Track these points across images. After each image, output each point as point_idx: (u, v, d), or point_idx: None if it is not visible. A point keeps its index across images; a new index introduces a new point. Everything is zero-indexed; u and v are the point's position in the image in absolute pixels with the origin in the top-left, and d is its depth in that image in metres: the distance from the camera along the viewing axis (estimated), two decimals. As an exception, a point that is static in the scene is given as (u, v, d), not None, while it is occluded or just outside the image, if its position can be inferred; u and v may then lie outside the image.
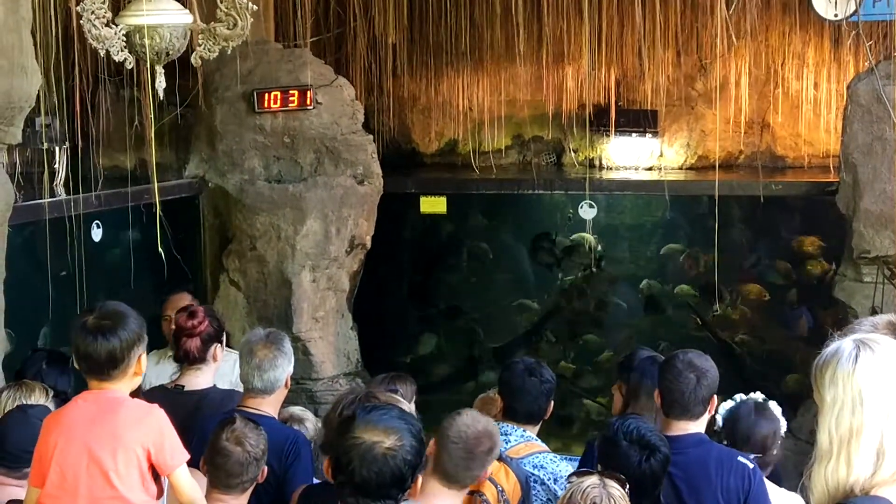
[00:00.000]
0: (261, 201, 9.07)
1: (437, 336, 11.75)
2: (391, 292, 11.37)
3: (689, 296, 11.41)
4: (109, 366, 4.32)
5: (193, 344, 5.97)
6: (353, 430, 3.67)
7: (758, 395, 5.54)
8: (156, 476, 4.39)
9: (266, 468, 4.90)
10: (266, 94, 9.01)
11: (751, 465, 5.01)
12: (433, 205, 10.33)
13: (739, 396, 5.46)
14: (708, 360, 5.21)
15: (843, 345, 3.13)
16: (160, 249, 5.41)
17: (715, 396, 5.16)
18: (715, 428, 5.36)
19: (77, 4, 4.63)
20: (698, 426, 5.13)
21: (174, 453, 4.39)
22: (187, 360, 6.02)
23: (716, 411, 5.29)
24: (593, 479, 4.38)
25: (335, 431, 3.78)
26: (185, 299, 7.16)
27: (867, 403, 3.04)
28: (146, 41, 4.45)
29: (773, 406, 5.53)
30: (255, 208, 9.08)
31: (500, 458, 5.07)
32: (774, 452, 5.45)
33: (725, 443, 5.30)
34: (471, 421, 4.60)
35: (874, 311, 7.78)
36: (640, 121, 10.68)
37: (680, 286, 11.47)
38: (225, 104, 9.13)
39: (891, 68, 8.14)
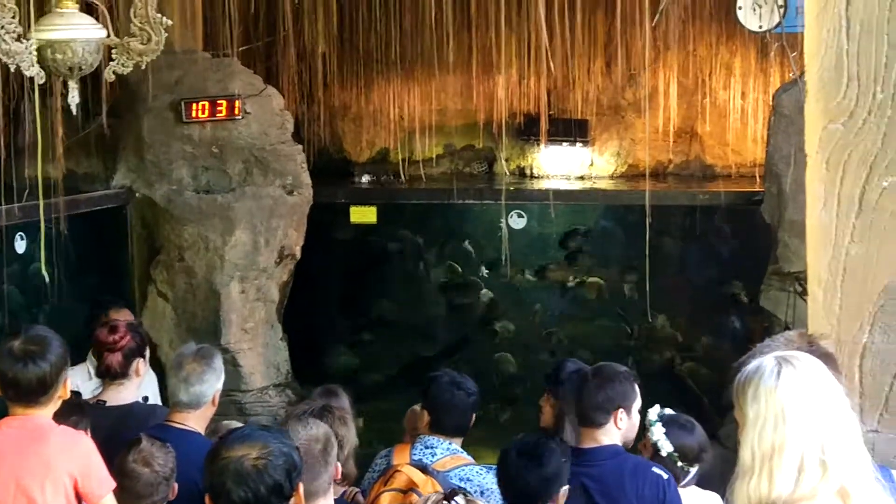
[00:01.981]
0: (189, 212, 9.00)
1: (367, 346, 11.73)
2: (322, 302, 11.34)
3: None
4: (40, 392, 4.28)
5: (115, 359, 5.90)
6: (220, 453, 3.64)
7: (665, 410, 5.51)
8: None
9: (177, 486, 4.85)
10: (194, 104, 8.95)
11: (665, 476, 5.04)
12: (363, 214, 10.32)
13: (654, 413, 5.42)
14: (620, 373, 5.22)
15: (764, 362, 3.16)
16: (44, 272, 5.33)
17: (622, 411, 5.14)
18: (663, 454, 5.32)
19: (-10, 18, 4.56)
20: (610, 437, 5.13)
21: (101, 482, 4.35)
22: (109, 376, 5.95)
23: (652, 436, 5.29)
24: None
25: (206, 463, 3.73)
26: (123, 314, 7.09)
27: (789, 419, 3.07)
28: (58, 56, 4.40)
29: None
30: (183, 219, 9.01)
31: (426, 472, 5.07)
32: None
33: (680, 464, 5.29)
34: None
35: (787, 327, 7.86)
36: (570, 130, 10.72)
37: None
38: (152, 114, 9.05)
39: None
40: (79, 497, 4.30)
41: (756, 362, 3.19)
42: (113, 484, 4.40)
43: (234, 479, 3.55)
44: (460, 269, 11.96)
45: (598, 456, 5.07)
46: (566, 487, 4.78)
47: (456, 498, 4.21)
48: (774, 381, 3.11)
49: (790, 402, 3.08)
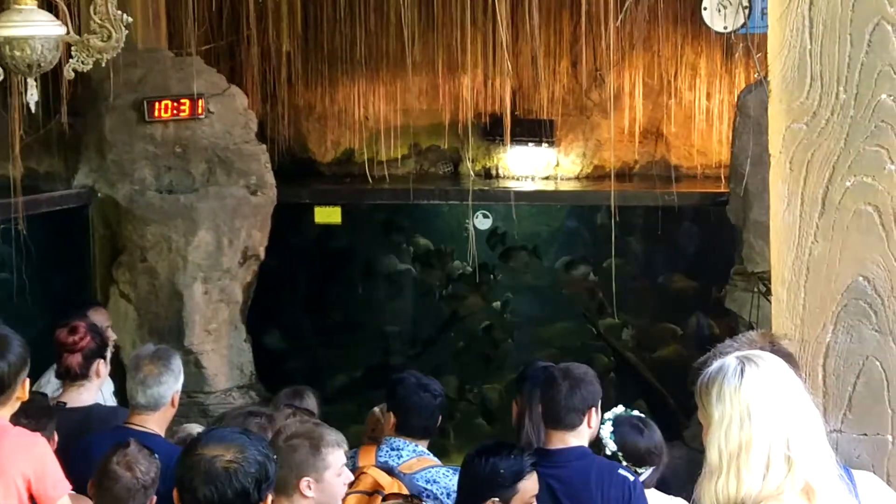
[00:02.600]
0: (151, 212, 8.95)
1: (332, 347, 11.70)
2: (286, 303, 11.30)
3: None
4: None
5: (75, 360, 5.89)
6: (195, 449, 3.63)
7: (620, 409, 5.54)
8: None
9: (155, 498, 4.80)
10: (157, 103, 8.89)
11: (631, 478, 5.04)
12: (328, 215, 10.30)
13: (612, 412, 5.45)
14: (588, 372, 5.22)
15: (726, 362, 3.18)
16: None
17: (594, 410, 5.15)
18: (607, 452, 5.34)
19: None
20: (579, 439, 5.13)
21: (56, 484, 4.31)
22: (69, 377, 5.94)
23: (599, 434, 5.30)
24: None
25: (179, 457, 3.71)
26: (100, 314, 7.19)
27: (755, 417, 3.08)
28: (17, 53, 4.35)
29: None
30: (146, 219, 8.95)
31: (392, 474, 5.06)
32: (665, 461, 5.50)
33: (625, 464, 5.30)
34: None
35: (751, 326, 7.89)
36: (535, 130, 10.72)
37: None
38: (114, 113, 8.98)
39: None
40: (33, 499, 4.25)
41: (718, 363, 3.20)
42: (68, 487, 4.37)
43: (202, 477, 3.54)
44: (427, 270, 11.96)
45: (565, 457, 5.06)
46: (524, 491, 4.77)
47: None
48: (738, 380, 3.13)
49: (755, 400, 3.10)
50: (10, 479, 4.16)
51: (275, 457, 3.72)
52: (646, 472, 5.29)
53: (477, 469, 4.76)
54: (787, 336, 3.84)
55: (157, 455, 4.80)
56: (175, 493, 3.66)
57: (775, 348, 3.63)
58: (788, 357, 3.62)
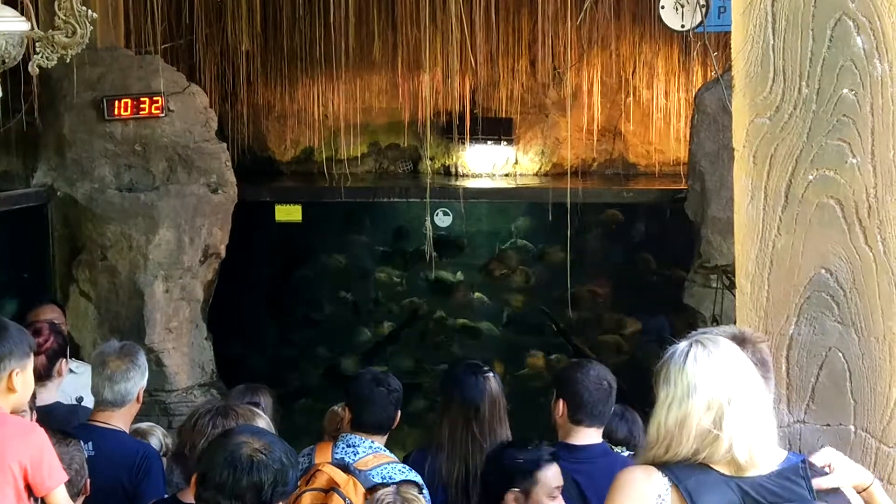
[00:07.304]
0: (111, 210, 8.91)
1: (293, 345, 11.67)
2: (247, 301, 11.27)
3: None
4: None
5: (39, 361, 5.82)
6: (227, 435, 3.71)
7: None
8: (30, 494, 4.28)
9: (89, 481, 4.75)
10: (116, 102, 8.85)
11: None
12: (288, 213, 10.29)
13: None
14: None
15: (679, 345, 3.30)
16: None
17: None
18: None
19: None
20: (599, 436, 5.19)
21: (52, 473, 4.28)
22: (35, 378, 5.91)
23: None
24: (388, 489, 4.53)
25: (212, 440, 3.75)
26: (52, 311, 7.08)
27: (693, 395, 3.20)
28: (-20, 49, 4.32)
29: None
30: (106, 217, 8.92)
31: (348, 471, 5.04)
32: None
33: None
34: None
35: (714, 320, 7.97)
36: (495, 128, 10.77)
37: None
38: (74, 111, 8.93)
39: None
40: (29, 488, 4.23)
41: (672, 347, 3.28)
42: (65, 477, 4.34)
43: (224, 458, 3.56)
44: (386, 269, 11.95)
45: (591, 454, 5.10)
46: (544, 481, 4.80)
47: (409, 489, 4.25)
48: (683, 360, 3.23)
49: (694, 378, 3.21)
50: (6, 466, 4.13)
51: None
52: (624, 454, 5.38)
53: (497, 462, 4.83)
54: (758, 337, 3.83)
55: (79, 444, 4.75)
56: (194, 477, 3.71)
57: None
58: (760, 364, 3.63)
